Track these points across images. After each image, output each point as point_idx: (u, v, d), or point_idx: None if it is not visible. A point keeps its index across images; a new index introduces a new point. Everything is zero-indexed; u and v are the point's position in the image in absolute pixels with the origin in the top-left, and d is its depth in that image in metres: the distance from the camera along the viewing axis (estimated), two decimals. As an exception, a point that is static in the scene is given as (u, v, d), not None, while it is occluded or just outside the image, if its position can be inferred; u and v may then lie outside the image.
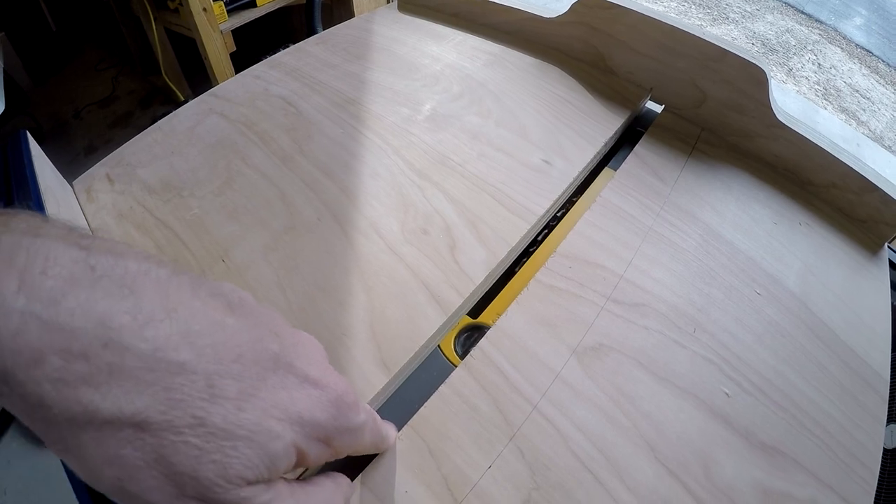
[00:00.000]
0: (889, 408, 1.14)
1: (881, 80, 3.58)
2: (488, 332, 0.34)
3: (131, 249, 0.18)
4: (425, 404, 0.31)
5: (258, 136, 0.50)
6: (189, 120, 0.53)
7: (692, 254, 0.43)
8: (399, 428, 0.30)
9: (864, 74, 3.58)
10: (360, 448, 0.24)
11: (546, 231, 0.44)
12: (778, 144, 0.54)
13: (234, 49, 1.38)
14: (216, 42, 1.31)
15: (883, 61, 3.84)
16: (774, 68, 3.32)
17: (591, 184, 0.49)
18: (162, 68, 1.45)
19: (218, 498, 0.17)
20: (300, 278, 0.37)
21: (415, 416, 0.31)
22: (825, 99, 3.15)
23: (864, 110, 3.13)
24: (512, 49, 0.62)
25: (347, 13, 1.47)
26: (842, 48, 3.87)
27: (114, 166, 0.47)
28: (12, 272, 0.15)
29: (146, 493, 0.16)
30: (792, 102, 2.93)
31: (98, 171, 0.47)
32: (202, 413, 0.17)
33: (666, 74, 0.57)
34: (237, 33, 1.37)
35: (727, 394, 0.36)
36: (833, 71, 3.51)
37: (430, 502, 0.28)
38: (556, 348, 0.34)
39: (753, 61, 0.51)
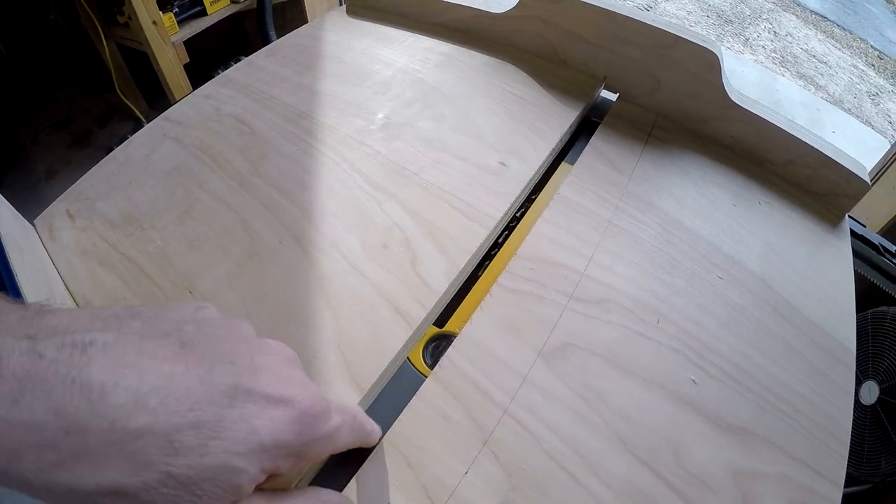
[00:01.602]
0: (870, 365, 1.18)
1: (837, 44, 3.68)
2: (455, 342, 0.35)
3: (78, 317, 0.20)
4: (399, 417, 0.32)
5: (213, 160, 0.50)
6: (144, 147, 0.52)
7: (653, 244, 0.45)
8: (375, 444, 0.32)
9: (819, 40, 3.68)
10: (341, 448, 0.25)
11: (506, 233, 0.45)
12: (734, 126, 0.56)
13: (188, 60, 1.37)
14: (168, 54, 1.29)
15: (838, 25, 3.95)
16: (731, 39, 3.38)
17: (548, 180, 0.50)
18: (116, 85, 1.43)
19: None
20: (266, 304, 0.37)
21: (390, 431, 0.32)
22: (783, 66, 3.23)
23: (821, 75, 3.21)
24: (464, 48, 0.63)
25: (300, 15, 1.46)
26: (797, 15, 3.96)
27: (73, 201, 0.47)
28: None
29: None
30: (750, 72, 3.00)
31: (58, 208, 0.46)
32: (166, 468, 0.18)
33: (619, 63, 0.58)
34: (190, 44, 1.35)
35: (694, 381, 0.37)
36: (789, 38, 3.60)
37: None
38: (522, 351, 0.36)
39: (706, 46, 0.52)
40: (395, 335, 0.35)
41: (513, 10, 0.61)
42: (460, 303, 0.40)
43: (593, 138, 0.53)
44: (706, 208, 0.50)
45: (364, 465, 0.31)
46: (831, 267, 0.49)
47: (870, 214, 1.43)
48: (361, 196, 0.44)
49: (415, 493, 0.30)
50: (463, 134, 0.51)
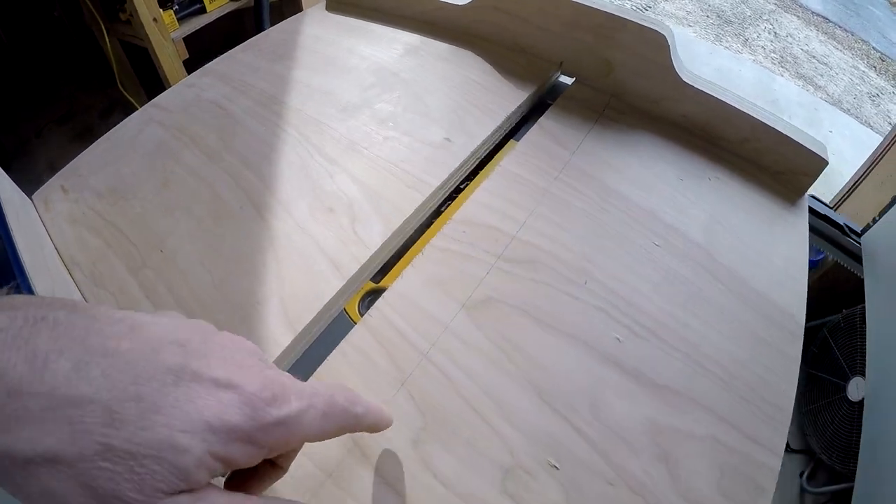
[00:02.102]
0: (858, 361, 1.19)
1: (838, 46, 3.67)
2: (385, 293, 0.39)
3: (40, 301, 0.20)
4: (327, 358, 0.36)
5: (190, 139, 0.54)
6: (132, 130, 0.57)
7: (588, 212, 0.48)
8: (304, 380, 0.35)
9: (821, 41, 3.68)
10: (315, 435, 0.23)
11: (449, 202, 0.49)
12: (686, 105, 0.58)
13: (188, 56, 1.43)
14: (168, 51, 1.35)
15: (840, 27, 3.93)
16: (730, 39, 3.39)
17: (495, 156, 0.54)
18: (118, 80, 1.49)
19: None
20: (222, 259, 0.42)
21: (318, 369, 0.36)
22: (782, 66, 3.23)
23: (821, 75, 3.21)
24: (429, 38, 0.67)
25: (296, 12, 1.51)
26: (798, 16, 3.96)
27: (67, 178, 0.52)
28: None
29: None
30: (748, 72, 3.01)
31: (54, 183, 0.51)
32: (105, 439, 0.18)
33: (574, 48, 0.62)
34: (190, 40, 1.41)
35: (618, 339, 0.40)
36: (789, 39, 3.60)
37: (333, 443, 0.32)
38: (446, 304, 0.39)
39: (653, 27, 0.55)
40: (329, 285, 0.39)
41: (473, 1, 0.65)
42: (398, 262, 0.44)
43: (542, 118, 0.57)
44: (650, 181, 0.52)
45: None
46: (784, 241, 0.50)
47: (859, 209, 1.44)
48: (316, 168, 0.49)
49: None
50: (414, 114, 0.55)
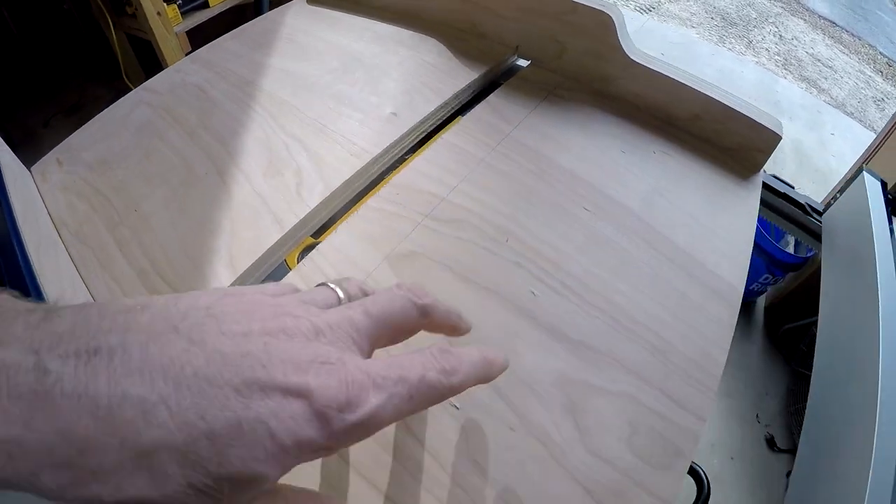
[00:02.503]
0: None
1: (845, 50, 3.69)
2: (318, 246, 0.46)
3: (85, 317, 0.19)
4: None
5: (173, 118, 0.61)
6: (123, 110, 0.65)
7: (521, 179, 0.52)
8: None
9: (827, 45, 3.69)
10: (399, 418, 0.23)
11: (393, 171, 0.55)
12: (636, 83, 0.63)
13: (190, 49, 1.52)
14: (171, 44, 1.45)
15: (847, 31, 3.94)
16: (734, 40, 3.41)
17: (440, 131, 0.60)
18: (123, 72, 1.59)
19: None
20: (186, 217, 0.48)
21: None
22: (785, 69, 3.24)
23: (825, 79, 3.21)
24: (397, 27, 0.73)
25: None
26: (804, 20, 3.97)
27: (63, 152, 0.59)
28: None
29: None
30: (750, 73, 3.03)
31: (51, 157, 0.58)
32: (185, 479, 0.18)
33: (529, 32, 0.67)
34: (192, 34, 1.50)
35: (534, 293, 0.42)
36: (795, 42, 3.61)
37: None
38: (372, 256, 0.45)
39: (600, 9, 0.60)
40: (270, 235, 0.45)
41: (439, -11, 0.71)
42: (337, 220, 0.50)
43: (491, 95, 0.62)
44: (591, 153, 0.57)
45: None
46: (730, 214, 0.53)
47: (890, 165, 1.41)
48: (276, 141, 0.55)
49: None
50: (370, 94, 0.61)
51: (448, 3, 0.70)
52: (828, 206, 0.78)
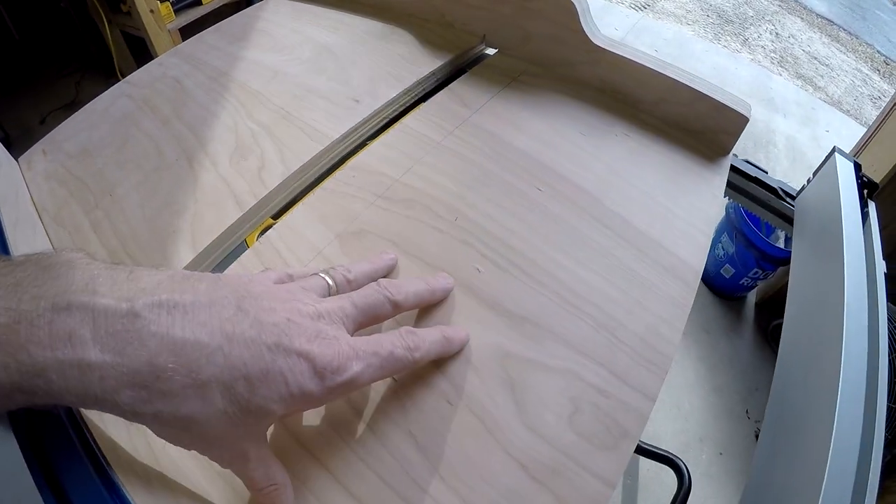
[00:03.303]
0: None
1: (842, 48, 3.73)
2: (275, 225, 0.50)
3: (160, 280, 0.27)
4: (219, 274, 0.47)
5: (150, 109, 0.66)
6: (105, 102, 0.70)
7: (475, 161, 0.55)
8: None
9: (824, 43, 3.73)
10: (368, 384, 0.32)
11: (352, 156, 0.60)
12: (601, 68, 0.65)
13: (184, 45, 1.59)
14: (164, 40, 1.51)
15: (844, 30, 3.98)
16: (729, 38, 3.45)
17: (401, 117, 0.64)
18: (117, 69, 1.66)
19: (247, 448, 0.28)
20: (156, 200, 0.53)
21: None
22: (781, 66, 3.26)
23: (821, 76, 3.23)
24: (368, 19, 0.77)
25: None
26: (802, 18, 4.01)
27: (48, 143, 0.63)
28: (86, 330, 0.23)
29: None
30: (744, 70, 3.05)
31: (37, 148, 0.63)
32: (224, 408, 0.26)
33: (495, 21, 0.71)
34: (185, 31, 1.57)
35: (479, 269, 0.44)
36: (791, 40, 3.64)
37: None
38: (324, 234, 0.48)
39: None
40: (229, 216, 0.50)
41: (408, -19, 0.75)
42: (296, 202, 0.55)
43: (454, 83, 0.66)
44: (548, 136, 0.59)
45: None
46: (693, 195, 0.54)
47: (876, 160, 1.42)
48: (243, 128, 0.60)
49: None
50: (336, 83, 0.65)
51: (418, -6, 0.75)
52: (802, 189, 0.80)
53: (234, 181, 0.53)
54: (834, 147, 0.73)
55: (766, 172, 0.81)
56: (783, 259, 1.52)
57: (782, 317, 1.64)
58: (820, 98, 3.00)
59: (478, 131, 0.60)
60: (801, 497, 0.39)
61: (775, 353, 1.61)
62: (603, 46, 0.64)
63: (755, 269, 1.58)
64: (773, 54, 3.37)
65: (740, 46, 3.39)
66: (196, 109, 0.64)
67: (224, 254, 0.50)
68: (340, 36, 0.74)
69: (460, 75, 0.70)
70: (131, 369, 0.24)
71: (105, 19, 1.56)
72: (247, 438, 0.28)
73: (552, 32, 0.67)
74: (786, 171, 2.32)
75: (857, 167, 0.73)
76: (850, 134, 2.62)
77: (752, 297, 1.79)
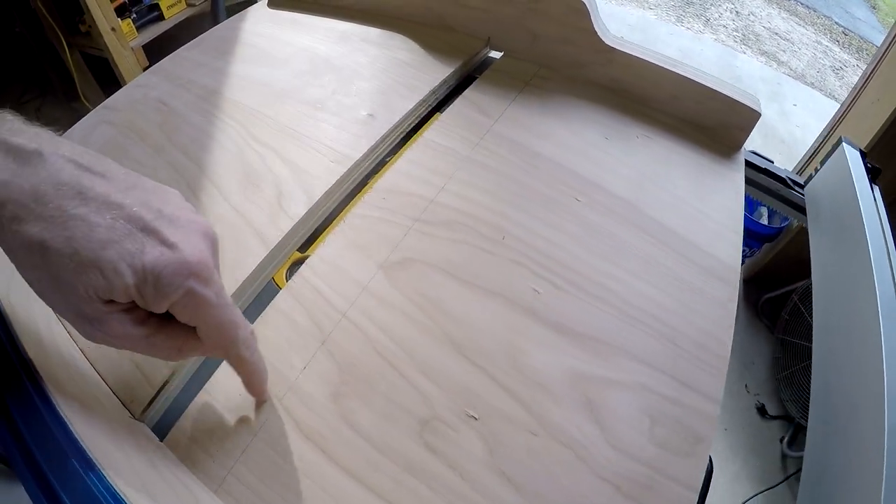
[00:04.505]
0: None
1: (801, 22, 3.79)
2: (308, 260, 0.43)
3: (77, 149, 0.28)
4: (255, 322, 0.39)
5: (136, 135, 0.58)
6: (83, 132, 0.60)
7: (508, 174, 0.51)
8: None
9: (783, 18, 3.79)
10: (204, 323, 0.28)
11: (375, 175, 0.52)
12: (612, 68, 0.61)
13: (148, 64, 1.47)
14: (128, 59, 1.39)
15: (802, 4, 4.05)
16: (691, 19, 3.49)
17: (420, 129, 0.57)
18: (80, 92, 1.53)
19: (81, 306, 0.26)
20: (160, 243, 0.46)
21: None
22: (744, 44, 3.33)
23: (783, 51, 3.30)
24: (362, 25, 0.70)
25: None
26: None
27: None
28: None
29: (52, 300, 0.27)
30: (709, 51, 3.09)
31: None
32: (76, 247, 0.25)
33: (499, 23, 0.65)
34: (149, 48, 1.45)
35: (537, 291, 0.41)
36: (751, 17, 3.70)
37: (251, 406, 0.35)
38: (365, 266, 0.42)
39: None
40: (253, 253, 0.42)
41: (402, -16, 0.68)
42: (323, 233, 0.48)
43: (467, 90, 0.60)
44: (573, 142, 0.55)
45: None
46: (718, 193, 0.52)
47: (858, 131, 1.44)
48: (248, 152, 0.52)
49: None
50: (343, 96, 0.58)
51: (415, -3, 0.68)
52: (809, 178, 0.79)
53: (250, 213, 0.46)
54: (841, 137, 0.73)
55: (773, 162, 0.79)
56: (768, 235, 1.53)
57: (772, 291, 1.65)
58: (784, 73, 3.05)
59: (504, 141, 0.54)
60: (861, 483, 0.38)
61: (767, 326, 1.62)
62: (615, 46, 0.60)
63: (742, 248, 1.58)
64: (735, 33, 3.42)
65: (703, 27, 3.43)
66: (191, 132, 0.56)
67: (252, 297, 0.42)
68: (335, 45, 0.67)
69: (469, 81, 0.64)
70: (21, 189, 0.25)
71: (64, 41, 1.43)
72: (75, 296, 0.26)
73: (562, 33, 0.62)
74: (759, 148, 2.32)
75: (863, 155, 0.72)
76: (816, 107, 2.66)
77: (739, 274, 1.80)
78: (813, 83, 3.03)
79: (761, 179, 0.77)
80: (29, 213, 0.25)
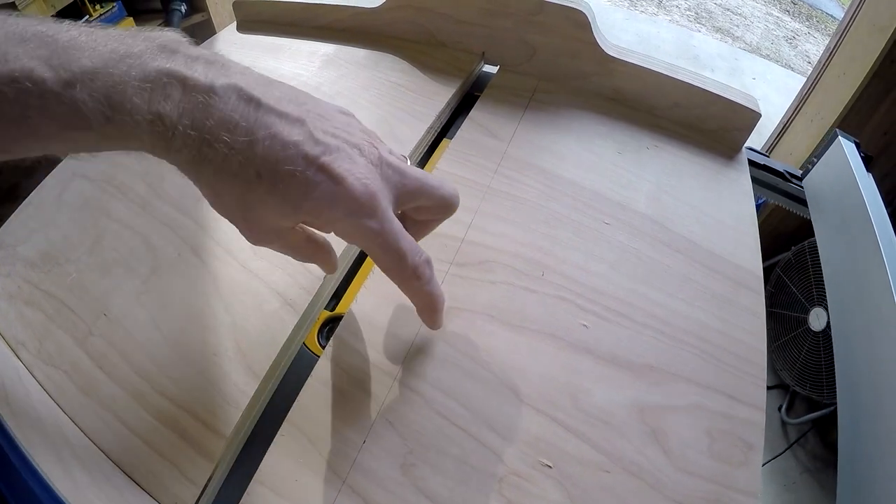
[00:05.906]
0: (814, 292, 1.23)
1: None
2: (343, 320, 0.39)
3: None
4: (297, 398, 0.35)
5: (117, 189, 0.52)
6: (55, 188, 0.54)
7: (534, 201, 0.48)
8: (278, 426, 0.34)
9: None
10: (369, 251, 0.30)
11: (394, 215, 0.49)
12: (615, 78, 0.59)
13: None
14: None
15: None
16: (644, 3, 3.54)
17: (430, 158, 0.54)
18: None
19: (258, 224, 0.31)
20: (170, 312, 0.41)
21: (290, 412, 0.35)
22: (698, 23, 3.40)
23: (737, 26, 3.39)
24: (346, 46, 0.66)
25: (210, 36, 1.47)
26: None
27: None
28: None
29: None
30: (666, 33, 3.14)
31: None
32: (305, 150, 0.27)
33: (494, 36, 0.62)
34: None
35: (585, 326, 0.40)
36: None
37: (320, 485, 0.32)
38: (406, 320, 0.39)
39: (572, 6, 0.56)
40: (284, 322, 0.38)
41: (386, 2, 0.64)
42: (348, 287, 0.44)
43: (472, 111, 0.57)
44: (589, 160, 0.53)
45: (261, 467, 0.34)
46: (729, 198, 0.52)
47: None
48: (252, 202, 0.48)
49: (319, 468, 0.33)
50: (344, 128, 0.54)
51: (400, 13, 0.64)
52: (806, 171, 0.80)
53: (267, 273, 0.42)
54: (836, 130, 0.73)
55: (769, 156, 0.80)
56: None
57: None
58: (740, 47, 3.12)
59: (521, 166, 0.52)
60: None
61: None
62: (616, 56, 0.58)
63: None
64: (688, 12, 3.48)
65: (657, 9, 3.48)
66: (179, 182, 0.50)
67: (286, 367, 0.38)
68: (321, 70, 0.63)
69: (469, 98, 0.61)
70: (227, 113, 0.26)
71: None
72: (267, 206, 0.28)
73: (562, 45, 0.59)
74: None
75: (858, 145, 0.73)
76: (775, 79, 2.73)
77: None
78: (769, 55, 3.11)
79: (760, 174, 0.78)
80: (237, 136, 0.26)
